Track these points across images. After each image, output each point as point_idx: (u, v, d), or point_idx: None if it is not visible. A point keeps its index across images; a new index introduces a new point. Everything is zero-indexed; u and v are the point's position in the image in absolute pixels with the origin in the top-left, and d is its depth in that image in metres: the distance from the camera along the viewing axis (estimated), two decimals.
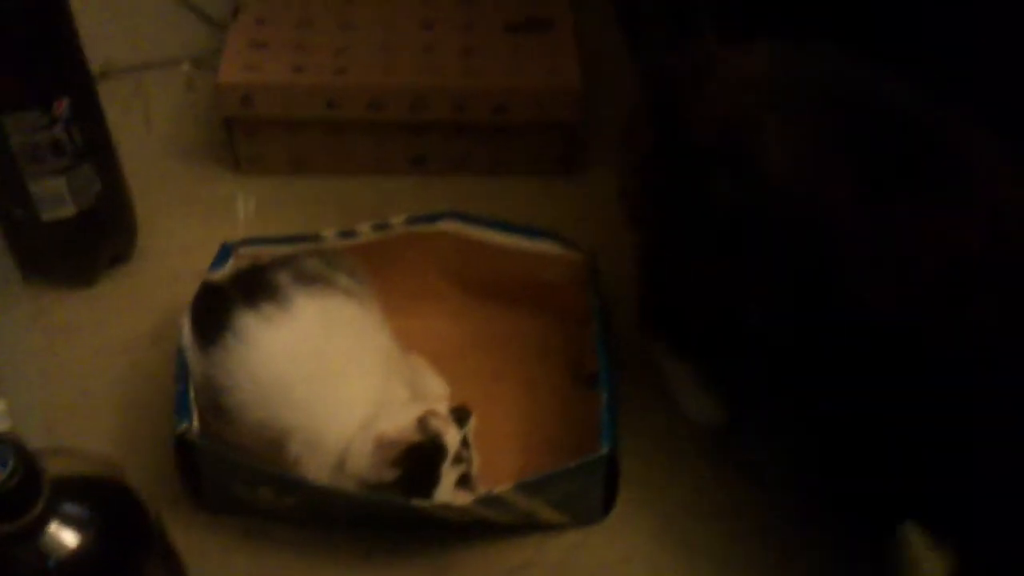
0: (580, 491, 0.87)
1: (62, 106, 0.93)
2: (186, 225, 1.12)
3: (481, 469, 0.85)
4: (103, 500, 0.66)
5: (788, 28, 0.78)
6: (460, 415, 0.83)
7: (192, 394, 0.87)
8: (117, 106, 1.19)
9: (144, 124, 1.22)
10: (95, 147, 0.99)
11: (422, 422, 0.81)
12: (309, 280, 0.86)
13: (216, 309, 0.85)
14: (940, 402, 0.69)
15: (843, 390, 0.75)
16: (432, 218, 0.99)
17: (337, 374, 0.84)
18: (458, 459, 0.82)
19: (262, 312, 0.83)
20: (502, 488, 0.82)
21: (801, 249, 0.74)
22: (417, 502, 0.80)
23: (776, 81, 0.77)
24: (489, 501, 0.83)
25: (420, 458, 0.80)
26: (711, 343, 0.85)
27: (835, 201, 0.72)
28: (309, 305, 0.85)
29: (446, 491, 0.81)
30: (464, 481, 0.82)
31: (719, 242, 0.79)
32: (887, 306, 0.70)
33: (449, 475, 0.81)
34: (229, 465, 0.84)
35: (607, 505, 0.90)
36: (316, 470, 0.82)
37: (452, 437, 0.81)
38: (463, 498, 0.82)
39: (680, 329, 0.89)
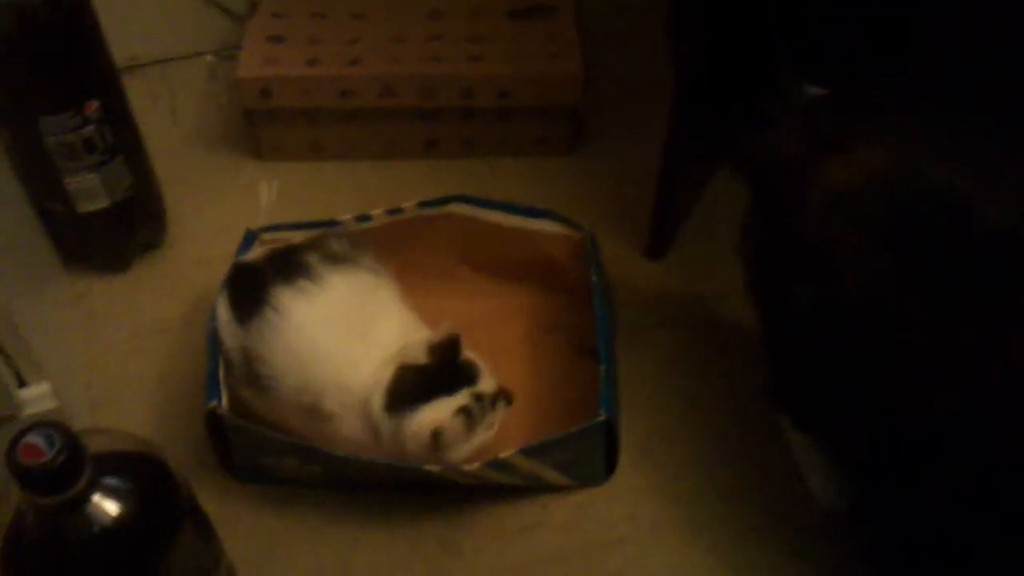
0: (582, 454, 0.93)
1: (92, 107, 0.99)
2: (212, 211, 1.17)
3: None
4: (140, 473, 0.71)
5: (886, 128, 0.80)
6: (505, 396, 0.90)
7: (221, 372, 0.92)
8: (144, 98, 1.24)
9: (170, 115, 1.27)
10: (125, 143, 1.05)
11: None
12: (337, 260, 0.92)
13: (253, 286, 0.91)
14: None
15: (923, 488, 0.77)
16: (441, 201, 1.03)
17: (364, 337, 0.89)
18: (487, 424, 0.88)
19: (297, 287, 0.89)
20: (508, 453, 0.88)
21: (871, 355, 0.77)
22: (429, 467, 0.86)
23: (871, 200, 0.79)
24: (497, 465, 0.88)
25: (448, 351, 0.87)
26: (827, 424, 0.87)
27: (905, 316, 0.75)
28: (338, 280, 0.91)
29: (448, 406, 0.85)
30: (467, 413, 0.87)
31: (801, 342, 0.83)
32: (950, 408, 0.73)
33: (484, 424, 0.87)
34: (256, 437, 0.90)
35: (609, 468, 0.95)
36: (349, 423, 0.88)
37: (488, 382, 0.88)
38: (475, 456, 0.87)
39: (800, 407, 0.91)
